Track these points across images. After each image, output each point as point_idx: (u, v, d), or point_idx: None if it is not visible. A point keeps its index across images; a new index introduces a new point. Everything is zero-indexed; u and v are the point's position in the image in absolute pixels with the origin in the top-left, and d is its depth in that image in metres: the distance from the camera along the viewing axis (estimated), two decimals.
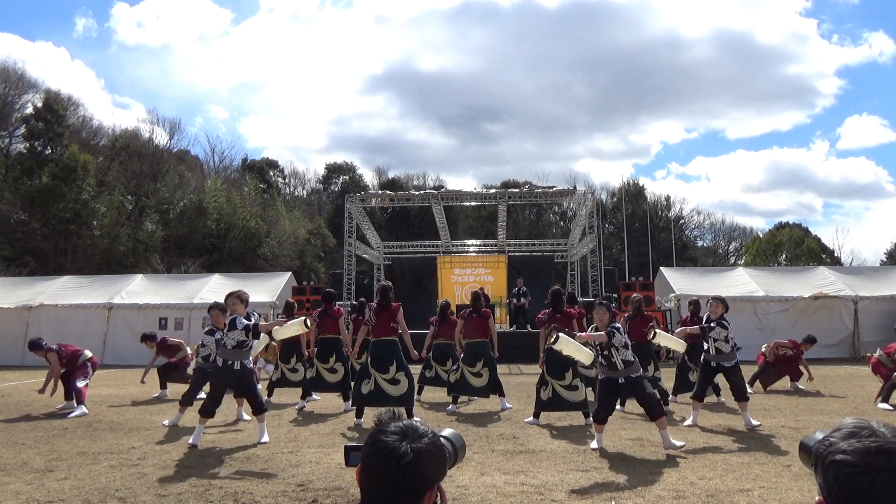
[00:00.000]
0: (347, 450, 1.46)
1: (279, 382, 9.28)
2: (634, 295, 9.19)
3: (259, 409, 6.25)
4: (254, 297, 11.13)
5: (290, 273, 19.94)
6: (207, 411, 6.14)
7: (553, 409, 7.36)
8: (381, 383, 7.13)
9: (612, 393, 6.02)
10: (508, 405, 8.32)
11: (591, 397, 7.33)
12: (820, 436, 1.11)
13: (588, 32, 63.70)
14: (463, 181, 70.59)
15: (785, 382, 10.17)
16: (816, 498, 1.07)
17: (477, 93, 64.66)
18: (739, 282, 17.38)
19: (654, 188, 62.92)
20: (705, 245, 48.79)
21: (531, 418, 7.31)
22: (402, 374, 7.18)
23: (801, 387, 10.02)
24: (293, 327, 5.96)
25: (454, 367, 8.57)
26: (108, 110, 64.03)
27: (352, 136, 66.92)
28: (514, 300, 18.22)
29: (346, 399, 8.42)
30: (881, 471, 0.96)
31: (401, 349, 7.36)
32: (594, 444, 5.90)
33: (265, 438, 6.23)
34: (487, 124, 67.34)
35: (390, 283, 7.81)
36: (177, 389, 9.86)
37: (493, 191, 23.61)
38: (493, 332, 8.50)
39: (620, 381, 5.85)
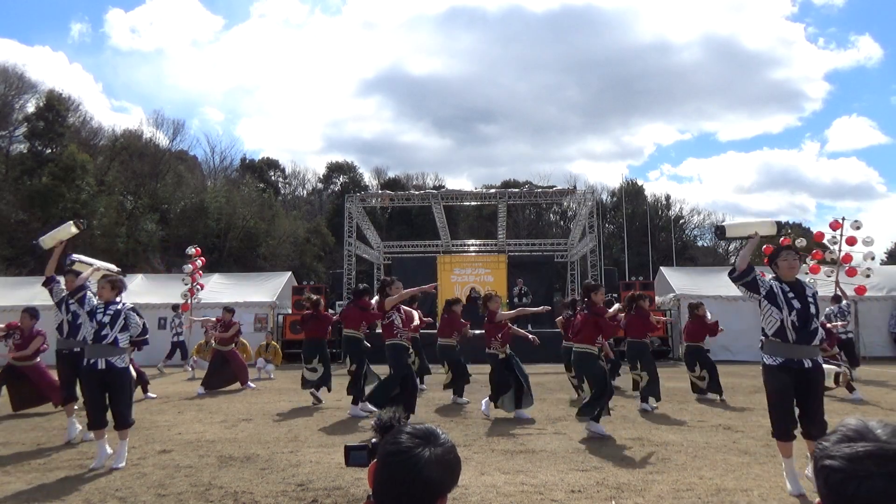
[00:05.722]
0: (347, 449, 1.45)
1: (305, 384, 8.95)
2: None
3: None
4: (254, 297, 11.12)
5: (289, 273, 19.93)
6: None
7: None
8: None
9: (789, 387, 3.94)
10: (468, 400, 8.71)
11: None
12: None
13: (577, 37, 63.97)
14: (459, 182, 70.42)
15: None
16: (816, 500, 1.06)
17: (470, 95, 64.88)
18: None
19: (648, 189, 62.94)
20: (705, 245, 48.72)
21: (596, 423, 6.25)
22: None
23: None
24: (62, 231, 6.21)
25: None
26: (106, 113, 64.12)
27: (347, 138, 67.00)
28: (516, 300, 18.29)
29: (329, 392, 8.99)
30: (871, 476, 0.95)
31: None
32: (789, 487, 4.12)
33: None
34: (481, 126, 67.43)
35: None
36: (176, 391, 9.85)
37: (493, 190, 23.58)
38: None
39: (808, 366, 3.92)
